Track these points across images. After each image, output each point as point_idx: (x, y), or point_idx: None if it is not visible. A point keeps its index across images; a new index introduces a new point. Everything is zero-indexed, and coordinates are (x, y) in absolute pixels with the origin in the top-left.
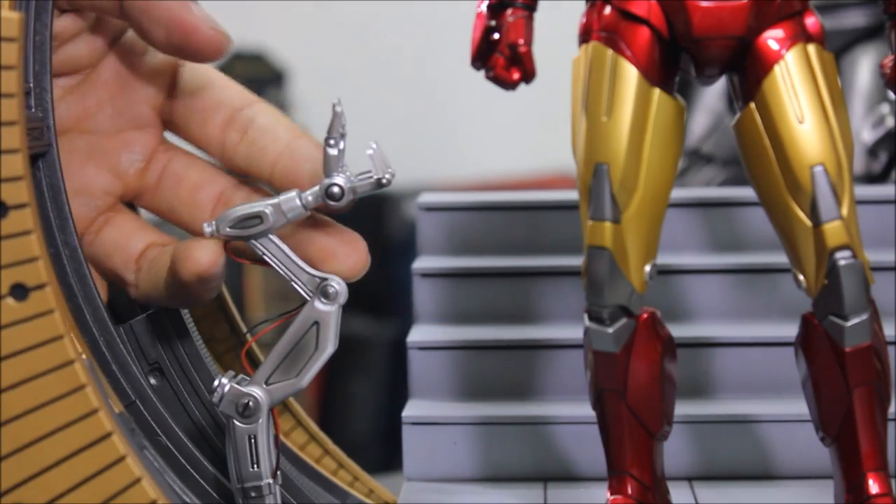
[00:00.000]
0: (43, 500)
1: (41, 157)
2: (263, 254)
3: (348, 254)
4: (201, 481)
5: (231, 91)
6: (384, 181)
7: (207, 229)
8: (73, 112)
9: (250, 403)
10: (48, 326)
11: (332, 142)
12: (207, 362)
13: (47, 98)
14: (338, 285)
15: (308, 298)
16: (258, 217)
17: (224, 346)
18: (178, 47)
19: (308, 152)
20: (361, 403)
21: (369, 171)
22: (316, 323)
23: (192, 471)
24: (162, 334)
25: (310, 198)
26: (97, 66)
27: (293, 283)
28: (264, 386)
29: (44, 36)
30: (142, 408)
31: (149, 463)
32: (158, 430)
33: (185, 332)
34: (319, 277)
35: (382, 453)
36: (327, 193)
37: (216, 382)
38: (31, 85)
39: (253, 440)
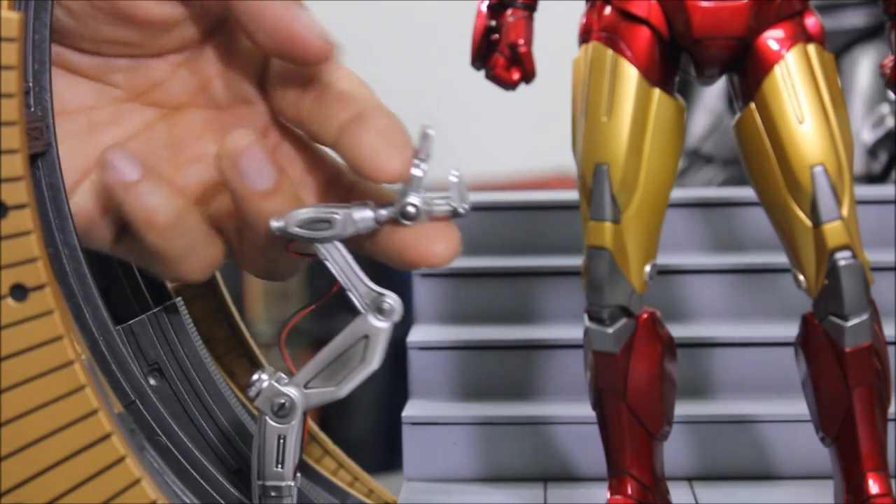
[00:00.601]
0: (43, 501)
1: (41, 156)
2: (326, 259)
3: (440, 239)
4: (201, 481)
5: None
6: (461, 211)
7: (275, 224)
8: (189, 86)
9: (286, 404)
10: (48, 327)
11: (417, 162)
12: (207, 363)
13: (47, 97)
14: (394, 302)
15: (363, 311)
16: (327, 221)
17: (224, 346)
18: (281, 53)
19: (379, 124)
20: (361, 403)
21: (448, 197)
22: (366, 336)
23: (191, 471)
24: (162, 334)
25: (384, 212)
26: (206, 41)
27: (350, 294)
28: (303, 389)
29: (43, 35)
30: (141, 407)
31: (148, 463)
32: (158, 430)
33: (185, 332)
34: (377, 292)
35: (382, 453)
36: (402, 213)
37: (255, 377)
38: (31, 84)
39: (282, 441)
